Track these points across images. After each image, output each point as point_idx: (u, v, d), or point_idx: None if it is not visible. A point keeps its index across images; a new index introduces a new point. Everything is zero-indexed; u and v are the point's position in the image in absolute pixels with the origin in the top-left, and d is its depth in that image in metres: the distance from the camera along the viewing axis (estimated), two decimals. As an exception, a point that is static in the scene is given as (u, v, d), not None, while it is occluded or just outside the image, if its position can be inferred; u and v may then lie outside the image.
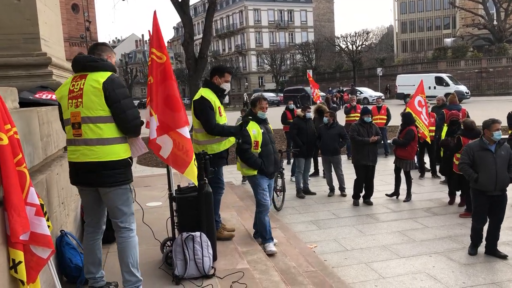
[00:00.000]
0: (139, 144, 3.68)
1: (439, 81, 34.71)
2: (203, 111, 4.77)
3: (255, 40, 75.17)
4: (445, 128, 8.15)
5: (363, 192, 8.38)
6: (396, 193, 8.53)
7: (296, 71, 63.99)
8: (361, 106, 10.58)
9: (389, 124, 13.20)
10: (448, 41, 59.04)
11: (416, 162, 10.71)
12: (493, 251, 5.62)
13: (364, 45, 56.75)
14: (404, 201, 8.35)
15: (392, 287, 4.97)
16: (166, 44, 3.77)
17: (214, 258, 4.30)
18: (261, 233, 5.57)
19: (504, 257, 5.54)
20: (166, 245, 4.52)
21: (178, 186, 4.38)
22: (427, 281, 5.05)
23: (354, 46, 54.59)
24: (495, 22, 49.74)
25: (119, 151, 3.35)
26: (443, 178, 9.48)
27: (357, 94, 34.96)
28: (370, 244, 6.30)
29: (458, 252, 5.84)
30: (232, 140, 5.16)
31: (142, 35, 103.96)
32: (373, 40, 69.92)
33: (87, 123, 3.27)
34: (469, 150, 5.69)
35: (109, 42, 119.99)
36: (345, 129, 9.85)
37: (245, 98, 30.87)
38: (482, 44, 51.39)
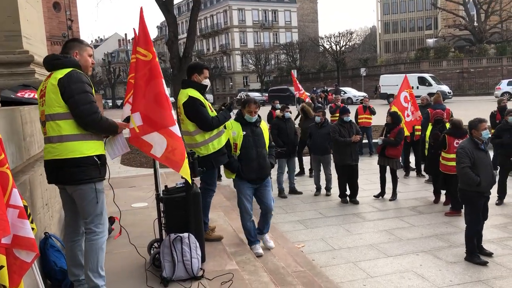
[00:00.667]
0: (121, 143, 3.61)
1: (422, 81, 35.16)
2: (197, 110, 4.67)
3: (240, 40, 75.10)
4: (429, 127, 8.23)
5: (348, 191, 8.41)
6: (382, 193, 8.58)
7: (281, 71, 64.15)
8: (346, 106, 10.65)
9: (373, 124, 13.33)
10: (430, 41, 59.81)
11: (401, 161, 10.82)
12: (479, 249, 5.65)
13: (347, 46, 57.13)
14: (390, 200, 8.40)
15: (380, 286, 4.97)
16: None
17: (203, 259, 4.24)
18: (246, 236, 5.47)
19: (489, 254, 5.60)
20: (154, 246, 4.44)
21: (166, 186, 4.31)
22: (414, 280, 5.07)
23: (337, 46, 54.93)
24: (475, 23, 50.59)
25: (80, 148, 3.28)
26: (427, 177, 9.56)
27: (341, 94, 35.17)
28: (358, 243, 6.31)
29: (444, 251, 5.88)
30: (228, 133, 5.09)
31: (126, 34, 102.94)
32: (356, 41, 70.41)
33: (49, 120, 3.29)
34: (468, 152, 5.44)
35: (92, 41, 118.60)
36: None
37: (243, 97, 31.13)
38: (463, 45, 52.21)
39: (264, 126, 5.46)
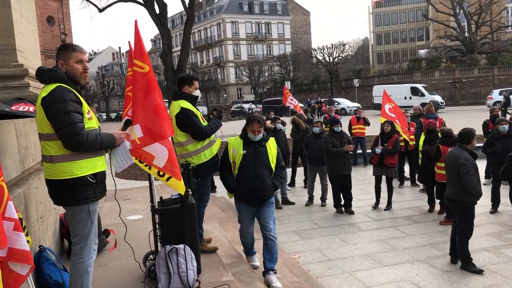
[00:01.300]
0: (124, 155, 3.55)
1: (415, 92, 35.48)
2: (190, 121, 4.71)
3: (233, 52, 75.53)
4: (422, 137, 8.30)
5: (343, 201, 8.44)
6: (378, 202, 8.60)
7: (275, 83, 64.42)
8: (340, 116, 10.78)
9: (367, 134, 13.40)
10: (422, 52, 60.38)
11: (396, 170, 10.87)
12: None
13: (340, 57, 57.56)
14: (384, 209, 8.42)
15: (376, 295, 4.98)
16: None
17: (199, 271, 4.23)
18: (243, 248, 5.41)
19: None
20: (149, 258, 4.43)
21: (161, 198, 4.31)
22: (410, 289, 5.08)
23: (330, 57, 55.35)
24: (466, 34, 51.19)
25: (71, 169, 3.12)
26: (422, 186, 9.60)
27: (335, 105, 35.34)
28: (353, 253, 6.31)
29: (439, 259, 5.90)
30: (218, 142, 5.10)
31: (119, 48, 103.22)
32: (349, 52, 70.99)
33: (41, 140, 3.20)
34: (472, 163, 5.47)
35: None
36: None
37: (250, 108, 31.53)
38: (455, 55, 52.74)
39: (272, 145, 5.01)
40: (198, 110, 4.94)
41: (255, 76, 64.10)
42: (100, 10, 21.51)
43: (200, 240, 4.95)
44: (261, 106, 46.91)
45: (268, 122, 9.76)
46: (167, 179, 3.62)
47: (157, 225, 4.19)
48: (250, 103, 39.85)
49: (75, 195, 3.16)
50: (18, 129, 3.80)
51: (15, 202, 2.95)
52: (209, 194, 5.20)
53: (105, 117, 67.57)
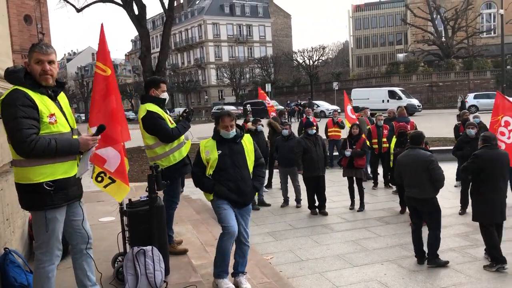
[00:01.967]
0: (86, 161, 3.51)
1: (392, 95, 36.07)
2: (155, 123, 4.72)
3: (215, 54, 75.45)
4: (394, 140, 8.48)
5: (317, 202, 8.54)
6: (353, 203, 8.75)
7: (256, 85, 64.58)
8: (318, 119, 10.99)
9: (342, 137, 13.55)
10: (400, 56, 61.37)
11: (370, 172, 11.07)
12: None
13: (320, 60, 58.11)
14: (358, 211, 8.56)
15: (345, 295, 5.07)
16: (111, 58, 3.75)
17: (167, 272, 4.25)
18: (216, 262, 4.55)
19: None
20: (118, 260, 4.43)
21: (130, 200, 4.32)
22: (378, 289, 5.19)
23: (311, 60, 55.81)
24: (443, 39, 52.21)
25: (28, 175, 3.06)
26: (395, 188, 9.78)
27: (314, 107, 35.65)
28: (325, 254, 6.40)
29: (408, 260, 6.03)
30: (188, 144, 5.11)
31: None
32: (329, 55, 71.71)
33: (8, 142, 3.15)
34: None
35: (65, 54, 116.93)
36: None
37: (248, 109, 31.71)
38: (432, 60, 53.74)
39: (248, 141, 4.71)
40: (167, 113, 4.96)
41: (236, 78, 64.19)
42: (78, 10, 21.31)
43: (170, 242, 4.98)
44: (241, 108, 47.00)
45: (249, 124, 9.83)
46: (105, 186, 3.64)
47: (125, 227, 4.19)
48: (249, 105, 39.57)
49: (33, 201, 3.11)
50: (-16, 130, 3.76)
51: (-21, 204, 2.94)
52: (179, 196, 5.22)
53: (84, 117, 66.66)
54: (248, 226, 4.80)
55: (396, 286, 5.24)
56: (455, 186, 9.91)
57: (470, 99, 34.60)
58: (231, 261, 4.67)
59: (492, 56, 49.23)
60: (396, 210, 8.48)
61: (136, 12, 19.52)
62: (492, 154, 5.67)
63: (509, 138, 7.26)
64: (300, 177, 8.94)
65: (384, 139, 10.10)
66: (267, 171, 10.01)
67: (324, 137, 12.40)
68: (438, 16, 52.21)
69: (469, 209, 8.04)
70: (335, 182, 11.04)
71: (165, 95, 4.98)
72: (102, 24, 3.56)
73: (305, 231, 7.55)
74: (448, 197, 9.01)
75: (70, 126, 3.31)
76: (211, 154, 4.50)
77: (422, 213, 5.90)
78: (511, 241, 6.37)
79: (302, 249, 6.66)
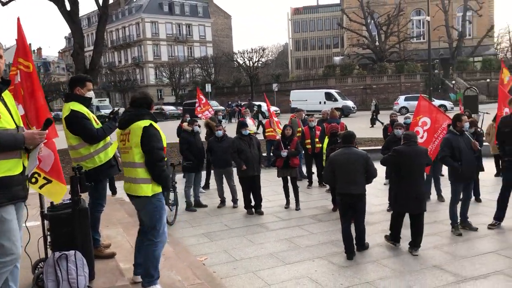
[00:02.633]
0: (34, 157, 3.30)
1: (329, 97, 37.27)
2: (79, 124, 4.53)
3: (153, 52, 73.96)
4: (326, 140, 8.75)
5: (253, 202, 8.61)
6: (288, 202, 8.90)
7: (196, 85, 64.09)
8: (256, 120, 11.10)
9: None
10: (336, 59, 63.44)
11: (305, 172, 11.32)
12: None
13: (260, 61, 58.70)
14: (296, 209, 8.71)
15: (276, 293, 5.13)
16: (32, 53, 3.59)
17: (91, 276, 4.10)
18: (149, 271, 4.26)
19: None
20: (39, 266, 4.21)
21: (51, 203, 4.12)
22: (309, 285, 5.30)
23: (251, 62, 56.24)
24: (376, 43, 54.58)
25: None
26: (328, 186, 10.07)
27: (254, 109, 35.91)
28: (259, 253, 6.46)
29: (338, 256, 6.21)
30: (115, 145, 4.94)
31: (30, 44, 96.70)
32: (269, 57, 72.65)
33: None
34: None
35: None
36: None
37: (255, 106, 31.77)
38: (367, 63, 56.02)
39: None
40: (93, 112, 4.79)
41: (175, 77, 63.28)
42: (3, 4, 20.05)
43: (97, 245, 4.80)
44: (181, 108, 46.40)
45: (185, 124, 9.69)
46: (41, 187, 3.49)
47: (46, 231, 4.00)
48: (249, 98, 38.54)
49: None
50: None
51: None
52: (105, 198, 5.04)
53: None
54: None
55: (326, 282, 5.38)
56: (384, 184, 10.35)
57: (401, 101, 36.42)
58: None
59: (422, 61, 52.08)
60: (329, 208, 8.72)
61: (68, 8, 18.68)
62: (411, 151, 6.15)
63: (422, 137, 7.78)
64: (235, 177, 8.97)
65: (317, 139, 10.38)
66: (204, 172, 9.99)
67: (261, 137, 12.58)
68: (372, 21, 54.46)
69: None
70: (272, 181, 11.17)
71: (90, 94, 4.81)
72: (18, 18, 3.37)
73: (240, 231, 7.58)
74: (377, 194, 9.41)
75: (16, 124, 3.20)
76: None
77: (355, 209, 6.14)
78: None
79: (236, 249, 6.68)
